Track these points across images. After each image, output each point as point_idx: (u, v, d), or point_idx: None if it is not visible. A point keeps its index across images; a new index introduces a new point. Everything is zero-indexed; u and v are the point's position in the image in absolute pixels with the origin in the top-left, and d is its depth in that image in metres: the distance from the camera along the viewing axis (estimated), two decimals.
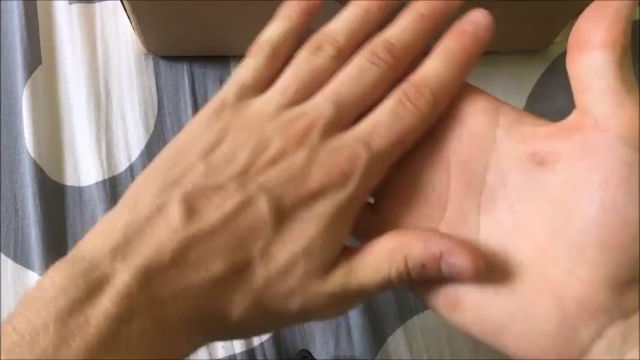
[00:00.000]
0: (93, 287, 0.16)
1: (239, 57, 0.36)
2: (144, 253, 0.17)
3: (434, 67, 0.21)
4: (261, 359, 0.31)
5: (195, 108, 0.35)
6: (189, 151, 0.20)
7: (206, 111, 0.21)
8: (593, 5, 0.19)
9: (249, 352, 0.31)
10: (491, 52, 0.37)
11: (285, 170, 0.19)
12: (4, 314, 0.32)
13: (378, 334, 0.31)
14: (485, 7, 0.32)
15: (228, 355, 0.31)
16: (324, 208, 0.19)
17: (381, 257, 0.19)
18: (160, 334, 0.17)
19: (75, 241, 0.32)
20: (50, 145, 0.34)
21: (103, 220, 0.19)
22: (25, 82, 0.35)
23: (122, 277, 0.17)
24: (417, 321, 0.32)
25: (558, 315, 0.17)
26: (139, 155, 0.34)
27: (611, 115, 0.17)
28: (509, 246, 0.19)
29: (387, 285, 0.19)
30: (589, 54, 0.19)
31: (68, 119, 0.35)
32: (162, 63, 0.36)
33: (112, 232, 0.18)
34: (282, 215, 0.18)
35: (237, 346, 0.31)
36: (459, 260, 0.18)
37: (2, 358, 0.15)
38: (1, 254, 0.32)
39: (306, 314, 0.20)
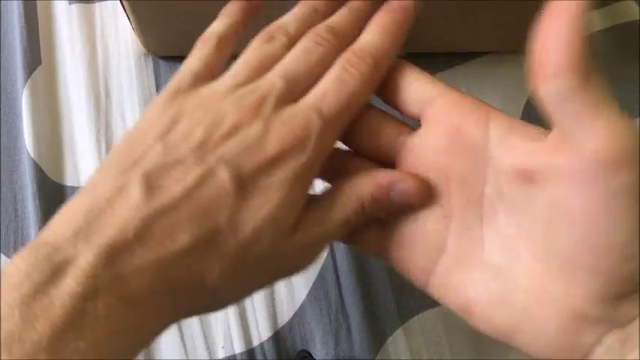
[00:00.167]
0: (57, 270, 0.17)
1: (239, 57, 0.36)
2: (106, 232, 0.17)
3: (370, 37, 0.22)
4: (260, 359, 0.31)
5: None
6: (147, 134, 0.20)
7: (160, 98, 0.21)
8: (544, 26, 0.19)
9: (249, 352, 0.31)
10: (491, 52, 0.37)
11: (243, 141, 0.20)
12: None
13: (378, 335, 0.31)
14: (486, 8, 0.32)
15: (227, 355, 0.31)
16: (283, 173, 0.20)
17: (338, 201, 0.21)
18: (127, 311, 0.17)
19: None
20: (50, 145, 0.34)
21: (64, 207, 0.19)
22: (25, 82, 0.35)
23: (85, 258, 0.17)
24: (417, 321, 0.32)
25: (558, 325, 0.18)
26: None
27: (586, 140, 0.17)
28: (512, 257, 0.19)
29: (347, 224, 0.21)
30: (551, 82, 0.18)
31: (68, 119, 0.35)
32: (162, 63, 0.36)
33: (73, 217, 0.18)
34: (244, 184, 0.19)
35: (237, 346, 0.31)
36: (406, 185, 0.21)
37: None
38: (1, 254, 0.32)
39: (280, 272, 0.22)
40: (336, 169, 0.23)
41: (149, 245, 0.18)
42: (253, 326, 0.31)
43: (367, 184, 0.21)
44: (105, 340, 0.16)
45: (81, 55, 0.36)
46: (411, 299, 0.32)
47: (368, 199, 0.21)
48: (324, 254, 0.33)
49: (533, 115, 0.32)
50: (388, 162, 0.23)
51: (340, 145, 0.23)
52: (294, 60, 0.22)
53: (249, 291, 0.22)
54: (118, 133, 0.34)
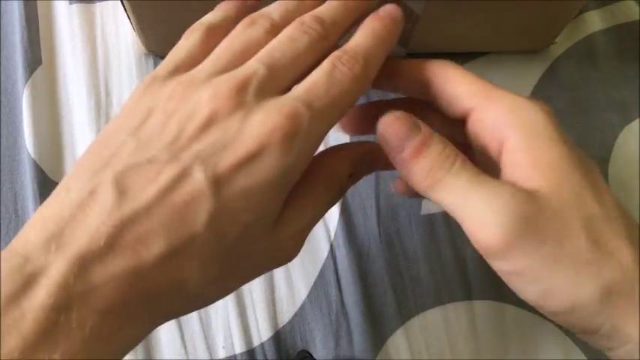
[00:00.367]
0: (28, 280, 0.16)
1: None
2: (78, 241, 0.17)
3: (361, 40, 0.21)
4: (261, 359, 0.31)
5: None
6: (120, 129, 0.19)
7: (137, 88, 0.20)
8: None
9: (249, 352, 0.31)
10: (491, 52, 0.37)
11: (219, 134, 0.18)
12: None
13: (378, 335, 0.31)
14: (486, 8, 0.32)
15: (228, 355, 0.31)
16: (265, 172, 0.18)
17: (318, 187, 0.21)
18: (102, 321, 0.16)
19: None
20: (50, 145, 0.34)
21: (36, 213, 0.18)
22: (26, 82, 0.35)
23: (57, 268, 0.16)
24: (417, 321, 0.32)
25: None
26: None
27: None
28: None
29: (329, 206, 0.22)
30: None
31: (68, 119, 0.35)
32: None
33: (44, 224, 0.17)
34: (221, 184, 0.18)
35: (237, 346, 0.31)
36: (378, 154, 0.21)
37: None
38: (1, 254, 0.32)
39: (267, 265, 0.21)
40: None
41: (122, 254, 0.17)
42: (254, 326, 0.31)
43: (343, 164, 0.21)
44: (80, 351, 0.16)
45: (81, 55, 0.36)
46: (411, 299, 0.32)
47: (344, 178, 0.21)
48: (324, 254, 0.33)
49: None
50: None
51: None
52: (277, 47, 0.20)
53: (234, 288, 0.21)
54: None
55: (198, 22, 0.22)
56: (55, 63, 0.36)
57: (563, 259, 0.20)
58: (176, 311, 0.20)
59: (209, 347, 0.31)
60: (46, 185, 0.33)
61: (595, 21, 0.38)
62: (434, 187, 0.21)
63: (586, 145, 0.35)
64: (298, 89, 0.19)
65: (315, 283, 0.32)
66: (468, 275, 0.32)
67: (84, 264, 0.16)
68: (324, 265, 0.32)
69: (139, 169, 0.18)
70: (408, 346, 0.31)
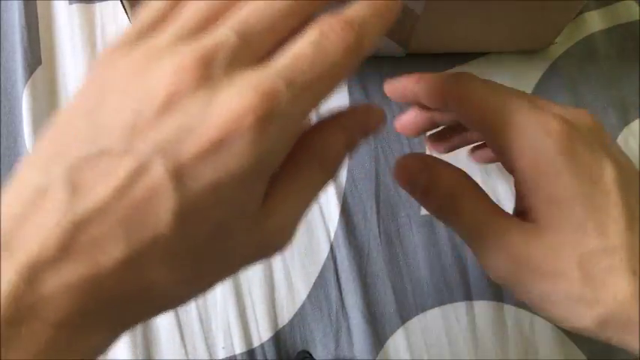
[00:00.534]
0: None
1: None
2: (28, 247, 0.15)
3: (358, 7, 0.18)
4: (261, 359, 0.31)
5: None
6: (75, 113, 0.17)
7: (95, 62, 0.17)
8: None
9: (249, 352, 0.31)
10: (491, 52, 0.37)
11: (181, 117, 0.15)
12: None
13: (378, 335, 0.31)
14: (487, 8, 0.32)
15: (228, 355, 0.31)
16: (234, 161, 0.15)
17: (305, 169, 0.18)
18: (57, 334, 0.15)
19: None
20: None
21: None
22: (26, 82, 0.35)
23: (8, 277, 0.14)
24: (417, 322, 0.32)
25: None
26: None
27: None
28: None
29: (320, 189, 0.19)
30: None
31: None
32: None
33: None
34: (184, 177, 0.15)
35: (237, 346, 0.31)
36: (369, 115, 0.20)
37: None
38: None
39: (253, 257, 0.18)
40: None
41: (76, 259, 0.15)
42: (254, 327, 0.31)
43: (336, 138, 0.19)
44: None
45: (81, 55, 0.36)
46: (411, 299, 0.32)
47: (339, 152, 0.19)
48: (324, 255, 0.33)
49: None
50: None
51: None
52: (254, 9, 0.17)
53: (215, 283, 0.18)
54: None
55: None
56: (55, 63, 0.36)
57: (558, 295, 0.21)
58: (144, 316, 0.18)
59: (209, 347, 0.31)
60: None
61: (595, 21, 0.38)
62: (445, 221, 0.23)
63: None
64: (278, 62, 0.16)
65: (315, 283, 0.32)
66: (467, 275, 0.32)
67: (35, 272, 0.15)
68: (324, 266, 0.32)
69: (93, 162, 0.15)
70: (407, 346, 0.31)
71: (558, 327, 0.31)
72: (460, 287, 0.32)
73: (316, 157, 0.19)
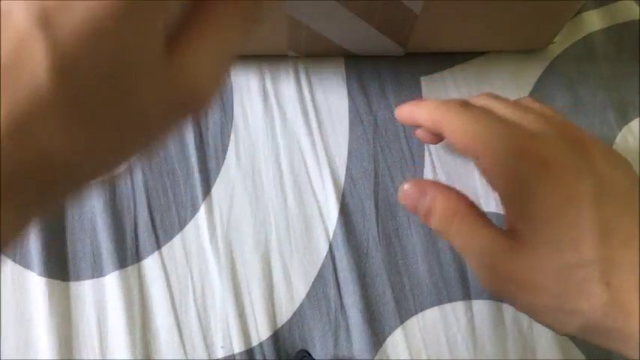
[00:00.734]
0: None
1: (238, 56, 0.36)
2: None
3: None
4: (259, 359, 0.31)
5: None
6: None
7: None
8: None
9: (248, 352, 0.31)
10: (490, 52, 0.37)
11: None
12: (4, 314, 0.32)
13: (377, 334, 0.31)
14: (486, 7, 0.32)
15: (227, 354, 0.31)
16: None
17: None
18: None
19: (74, 241, 0.32)
20: None
21: None
22: None
23: None
24: (416, 321, 0.32)
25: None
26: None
27: None
28: None
29: (253, 28, 0.17)
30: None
31: None
32: None
33: None
34: (51, 19, 0.13)
35: (236, 346, 0.31)
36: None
37: None
38: (1, 254, 0.32)
39: (169, 115, 0.16)
40: None
41: None
42: (252, 326, 0.31)
43: None
44: None
45: None
46: (410, 299, 0.32)
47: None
48: (323, 254, 0.33)
49: None
50: None
51: None
52: None
53: (134, 148, 0.16)
54: None
55: None
56: None
57: (541, 306, 0.23)
58: (57, 193, 0.15)
59: (208, 347, 0.31)
60: None
61: (594, 20, 0.38)
62: (445, 236, 0.25)
63: None
64: None
65: (314, 282, 0.32)
66: (466, 274, 0.33)
67: None
68: (323, 265, 0.32)
69: None
70: (406, 345, 0.31)
71: None
72: (459, 286, 0.32)
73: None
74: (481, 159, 0.24)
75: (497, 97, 0.28)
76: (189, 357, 0.31)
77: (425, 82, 0.36)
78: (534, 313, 0.24)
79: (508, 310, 0.32)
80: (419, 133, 0.31)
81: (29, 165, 0.14)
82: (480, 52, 0.37)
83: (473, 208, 0.25)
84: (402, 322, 0.32)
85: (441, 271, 0.33)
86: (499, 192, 0.24)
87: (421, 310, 0.32)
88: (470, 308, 0.32)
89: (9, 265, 0.32)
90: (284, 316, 0.32)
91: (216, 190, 0.34)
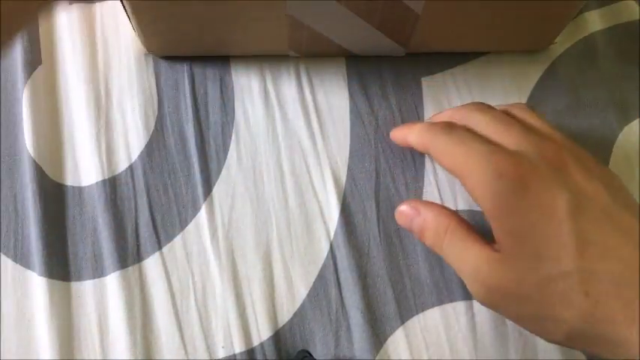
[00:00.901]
0: None
1: (239, 57, 0.37)
2: None
3: None
4: (260, 359, 0.31)
5: (196, 108, 0.35)
6: None
7: None
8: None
9: (249, 352, 0.31)
10: (491, 52, 0.37)
11: None
12: (4, 314, 0.32)
13: (378, 335, 0.31)
14: (486, 7, 0.32)
15: (227, 355, 0.31)
16: None
17: None
18: None
19: (75, 242, 0.32)
20: (50, 145, 0.34)
21: None
22: (26, 82, 0.35)
23: None
24: (416, 321, 0.32)
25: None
26: (139, 155, 0.34)
27: None
28: None
29: None
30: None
31: (68, 119, 0.35)
32: (163, 63, 0.36)
33: None
34: None
35: (237, 346, 0.31)
36: None
37: None
38: (1, 254, 0.32)
39: None
40: None
41: None
42: (253, 326, 0.31)
43: None
44: None
45: (81, 55, 0.36)
46: (411, 299, 0.32)
47: None
48: (324, 254, 0.33)
49: None
50: None
51: None
52: None
53: None
54: (118, 133, 0.34)
55: None
56: (55, 63, 0.36)
57: (527, 315, 0.25)
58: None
59: (209, 347, 0.31)
60: (45, 185, 0.33)
61: (595, 21, 0.38)
62: (438, 252, 0.28)
63: (586, 145, 0.35)
64: None
65: (314, 282, 0.32)
66: None
67: None
68: (324, 265, 0.32)
69: None
70: (407, 345, 0.31)
71: None
72: (459, 286, 0.32)
73: None
74: (464, 180, 0.26)
75: (483, 110, 0.29)
76: (190, 357, 0.31)
77: (426, 82, 0.36)
78: (523, 323, 0.26)
79: None
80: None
81: None
82: (481, 53, 0.37)
83: (463, 224, 0.28)
84: (402, 322, 0.32)
85: (442, 271, 0.33)
86: (483, 209, 0.26)
87: (422, 310, 0.32)
88: (471, 308, 0.32)
89: (9, 265, 0.32)
90: (285, 316, 0.32)
91: (218, 190, 0.34)
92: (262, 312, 0.31)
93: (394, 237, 0.33)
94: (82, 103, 0.35)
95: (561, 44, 0.37)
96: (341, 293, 0.32)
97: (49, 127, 0.34)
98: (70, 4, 0.37)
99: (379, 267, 0.32)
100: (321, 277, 0.32)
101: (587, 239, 0.24)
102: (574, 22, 0.38)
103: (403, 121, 0.35)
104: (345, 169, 0.34)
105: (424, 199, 0.34)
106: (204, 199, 0.33)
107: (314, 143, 0.35)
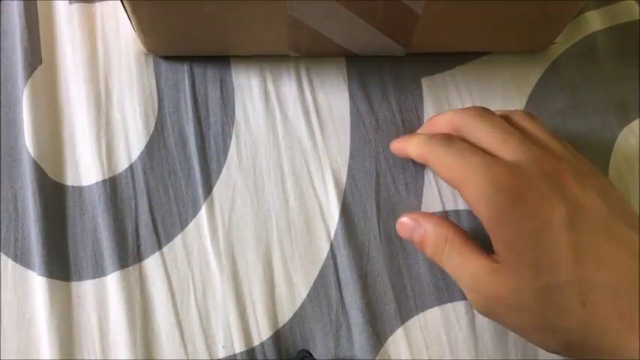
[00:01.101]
0: None
1: (239, 57, 0.37)
2: None
3: None
4: (261, 359, 0.31)
5: (196, 108, 0.35)
6: None
7: None
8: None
9: (249, 352, 0.31)
10: (491, 52, 0.37)
11: None
12: (5, 314, 0.32)
13: (378, 335, 0.31)
14: (487, 7, 0.32)
15: (228, 354, 0.31)
16: None
17: None
18: None
19: (76, 241, 0.32)
20: (50, 144, 0.34)
21: None
22: (26, 82, 0.35)
23: None
24: (417, 321, 0.32)
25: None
26: (139, 155, 0.34)
27: None
28: None
29: None
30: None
31: (69, 119, 0.35)
32: (163, 63, 0.36)
33: None
34: None
35: (237, 346, 0.31)
36: None
37: None
38: (1, 254, 0.32)
39: None
40: None
41: None
42: (253, 326, 0.31)
43: None
44: None
45: (81, 55, 0.36)
46: (411, 299, 0.32)
47: None
48: (324, 254, 0.33)
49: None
50: None
51: None
52: None
53: None
54: (118, 133, 0.34)
55: None
56: (55, 63, 0.36)
57: (526, 325, 0.26)
58: None
59: (209, 347, 0.31)
60: (46, 185, 0.33)
61: (595, 21, 0.38)
62: (438, 262, 0.29)
63: (586, 145, 0.35)
64: None
65: (315, 282, 0.32)
66: None
67: None
68: (324, 265, 0.32)
69: None
70: (407, 345, 0.31)
71: None
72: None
73: None
74: (462, 191, 0.27)
75: (483, 115, 0.30)
76: (190, 357, 0.31)
77: (426, 82, 0.36)
78: (522, 333, 0.27)
79: None
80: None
81: None
82: (481, 53, 0.37)
83: (462, 235, 0.28)
84: (403, 322, 0.32)
85: (442, 271, 0.32)
86: (481, 220, 0.26)
87: (422, 310, 0.32)
88: (471, 308, 0.32)
89: (9, 265, 0.32)
90: (285, 316, 0.32)
91: (218, 190, 0.34)
92: (262, 312, 0.31)
93: (394, 237, 0.33)
94: (82, 102, 0.35)
95: (561, 44, 0.37)
96: (341, 293, 0.32)
97: (49, 127, 0.34)
98: (71, 4, 0.37)
99: (379, 267, 0.32)
100: (321, 277, 0.32)
101: (583, 250, 0.24)
102: (574, 22, 0.38)
103: (403, 122, 0.35)
104: (346, 169, 0.34)
105: (424, 199, 0.34)
106: (205, 199, 0.33)
107: (314, 143, 0.35)
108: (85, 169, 0.34)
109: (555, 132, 0.30)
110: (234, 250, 0.32)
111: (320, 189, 0.34)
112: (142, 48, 0.36)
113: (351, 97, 0.36)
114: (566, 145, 0.29)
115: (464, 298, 0.32)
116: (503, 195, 0.25)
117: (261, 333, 0.31)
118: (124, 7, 0.31)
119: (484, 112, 0.30)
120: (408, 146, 0.31)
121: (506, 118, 0.30)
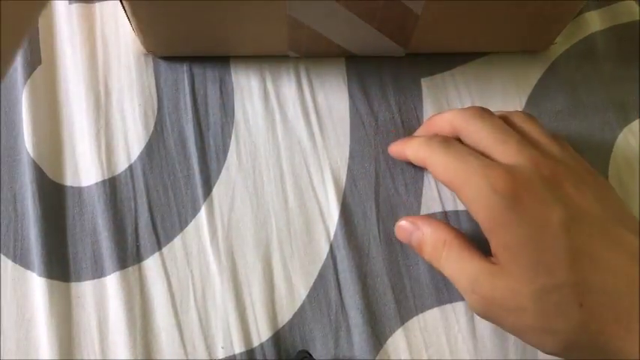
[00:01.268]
0: None
1: (239, 57, 0.37)
2: None
3: None
4: (260, 359, 0.31)
5: (196, 108, 0.35)
6: None
7: None
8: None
9: (249, 352, 0.31)
10: (491, 53, 0.37)
11: None
12: (5, 315, 0.32)
13: (378, 335, 0.31)
14: (488, 8, 0.32)
15: (227, 355, 0.31)
16: None
17: None
18: None
19: (75, 242, 0.32)
20: (50, 145, 0.34)
21: None
22: (25, 82, 0.35)
23: None
24: (416, 322, 0.32)
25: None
26: (139, 155, 0.34)
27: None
28: None
29: None
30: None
31: (68, 119, 0.35)
32: (163, 63, 0.36)
33: None
34: None
35: (237, 346, 0.31)
36: None
37: None
38: (1, 254, 0.32)
39: None
40: None
41: None
42: (253, 326, 0.31)
43: None
44: None
45: (81, 55, 0.36)
46: (411, 299, 0.32)
47: None
48: (324, 255, 0.33)
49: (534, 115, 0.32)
50: None
51: None
52: None
53: None
54: (118, 133, 0.34)
55: None
56: (55, 63, 0.36)
57: (524, 327, 0.26)
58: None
59: (208, 347, 0.31)
60: (45, 185, 0.33)
61: (595, 21, 0.38)
62: (437, 265, 0.29)
63: (586, 145, 0.35)
64: None
65: (314, 283, 0.32)
66: None
67: None
68: (324, 266, 0.32)
69: None
70: (407, 346, 0.31)
71: None
72: None
73: None
74: (461, 194, 0.27)
75: (482, 116, 0.30)
76: (190, 357, 0.31)
77: (425, 83, 0.36)
78: (520, 334, 0.26)
79: None
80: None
81: None
82: (480, 53, 0.37)
83: (460, 238, 0.28)
84: (402, 322, 0.32)
85: None
86: (479, 222, 0.27)
87: (422, 311, 0.32)
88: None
89: (9, 265, 0.32)
90: (285, 316, 0.32)
91: (217, 190, 0.34)
92: (262, 312, 0.31)
93: (394, 238, 0.33)
94: (81, 103, 0.35)
95: (561, 44, 0.37)
96: (341, 294, 0.32)
97: (48, 127, 0.34)
98: (70, 4, 0.37)
99: (379, 267, 0.32)
100: (321, 277, 0.32)
101: (580, 252, 0.25)
102: (574, 22, 0.38)
103: (403, 122, 0.35)
104: (345, 169, 0.34)
105: (423, 199, 0.34)
106: (204, 200, 0.33)
107: (314, 143, 0.35)
108: (84, 170, 0.34)
109: (555, 133, 0.30)
110: (233, 251, 0.32)
111: (319, 189, 0.34)
112: (141, 48, 0.36)
113: (351, 97, 0.36)
114: (566, 147, 0.29)
115: (463, 298, 0.32)
116: (501, 198, 0.25)
117: (261, 333, 0.31)
118: (124, 7, 0.31)
119: (483, 113, 0.30)
120: (407, 149, 0.32)
121: (505, 119, 0.30)
